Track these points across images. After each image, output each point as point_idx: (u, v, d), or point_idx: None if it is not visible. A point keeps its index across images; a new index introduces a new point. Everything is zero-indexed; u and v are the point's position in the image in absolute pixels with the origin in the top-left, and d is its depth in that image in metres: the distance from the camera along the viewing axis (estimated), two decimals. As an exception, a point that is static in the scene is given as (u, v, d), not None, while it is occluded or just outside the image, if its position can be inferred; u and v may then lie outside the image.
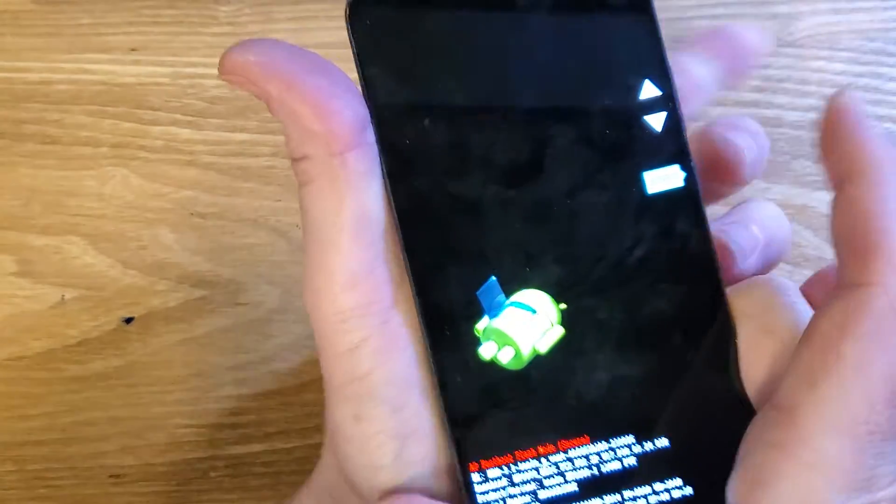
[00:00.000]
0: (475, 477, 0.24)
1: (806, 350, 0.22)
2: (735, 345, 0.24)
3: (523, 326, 0.24)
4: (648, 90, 0.24)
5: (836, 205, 0.22)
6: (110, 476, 0.36)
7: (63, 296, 0.37)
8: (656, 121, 0.24)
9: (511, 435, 0.24)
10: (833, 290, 0.22)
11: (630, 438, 0.24)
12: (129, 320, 0.36)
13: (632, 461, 0.24)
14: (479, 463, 0.24)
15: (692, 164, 0.24)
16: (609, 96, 0.24)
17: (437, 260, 0.24)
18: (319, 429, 0.35)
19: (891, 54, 0.37)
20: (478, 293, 0.24)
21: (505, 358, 0.24)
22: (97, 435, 0.36)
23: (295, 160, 0.22)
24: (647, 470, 0.24)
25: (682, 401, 0.24)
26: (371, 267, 0.23)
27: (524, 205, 0.24)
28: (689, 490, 0.24)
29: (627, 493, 0.24)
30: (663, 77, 0.24)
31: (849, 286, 0.22)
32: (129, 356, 0.36)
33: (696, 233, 0.24)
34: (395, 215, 0.23)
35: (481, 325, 0.24)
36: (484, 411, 0.24)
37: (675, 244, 0.24)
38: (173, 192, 0.37)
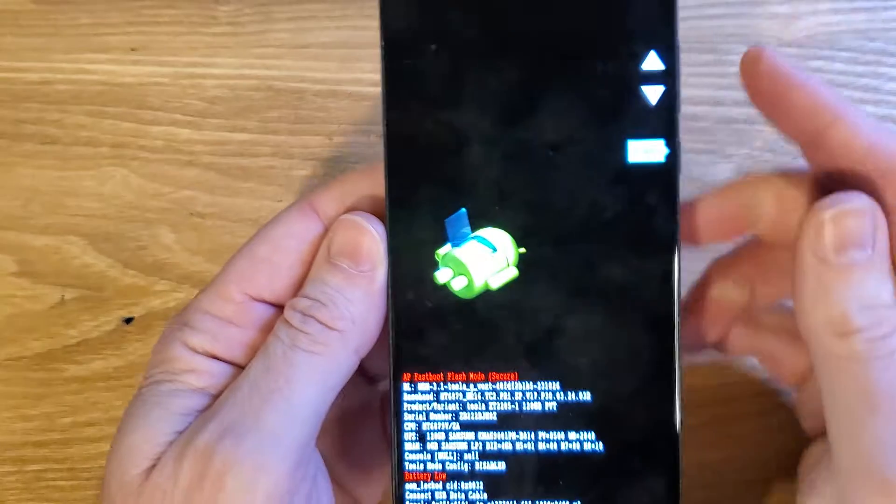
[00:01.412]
0: (406, 387, 0.26)
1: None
2: (676, 326, 0.25)
3: (481, 260, 0.25)
4: (651, 62, 0.25)
5: (826, 152, 0.24)
6: (110, 476, 0.36)
7: (63, 296, 0.37)
8: (652, 93, 0.25)
9: (447, 356, 0.26)
10: None
11: (556, 385, 0.26)
12: (128, 320, 0.36)
13: (552, 406, 0.26)
14: (413, 375, 0.26)
15: (678, 142, 0.25)
16: (612, 58, 0.24)
17: (415, 181, 0.25)
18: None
19: (891, 54, 0.37)
20: (446, 220, 0.25)
21: (457, 286, 0.26)
22: (97, 435, 0.36)
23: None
24: (565, 418, 0.25)
25: (613, 364, 0.25)
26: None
27: (507, 147, 0.25)
28: (600, 446, 0.25)
29: (542, 435, 0.26)
30: (669, 53, 0.24)
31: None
32: (129, 356, 0.36)
33: (664, 210, 0.25)
34: (385, 131, 0.25)
35: (442, 252, 0.25)
36: (427, 329, 0.26)
37: (642, 216, 0.25)
38: (173, 192, 0.37)
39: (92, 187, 0.37)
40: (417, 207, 0.25)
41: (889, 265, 0.24)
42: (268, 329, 0.26)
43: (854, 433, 0.23)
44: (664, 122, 0.25)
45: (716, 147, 0.36)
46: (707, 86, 0.36)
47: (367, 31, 0.38)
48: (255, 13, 0.38)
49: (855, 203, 0.24)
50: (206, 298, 0.27)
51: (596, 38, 0.25)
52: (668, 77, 0.25)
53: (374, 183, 0.26)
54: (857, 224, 0.23)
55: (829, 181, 0.25)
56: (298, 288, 0.26)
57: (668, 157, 0.25)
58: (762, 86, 0.24)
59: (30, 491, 0.36)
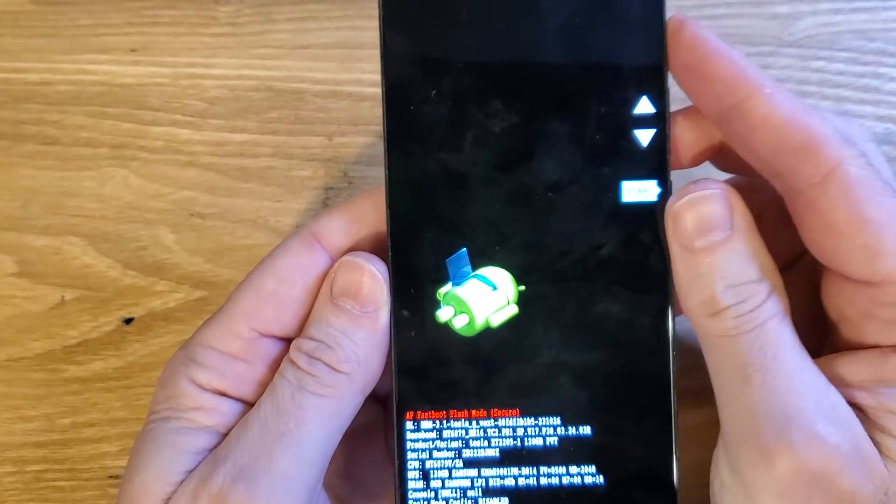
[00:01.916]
0: (409, 425, 0.26)
1: None
2: (672, 359, 0.26)
3: (482, 298, 0.26)
4: (643, 106, 0.26)
5: (758, 121, 0.24)
6: (110, 477, 0.36)
7: (63, 296, 0.37)
8: (644, 136, 0.26)
9: (449, 394, 0.26)
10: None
11: (556, 420, 0.26)
12: (128, 321, 0.36)
13: (554, 441, 0.26)
14: (416, 413, 0.26)
15: (669, 182, 0.26)
16: (606, 104, 0.26)
17: (416, 223, 0.26)
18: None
19: (891, 54, 0.37)
20: (447, 260, 0.26)
21: (459, 323, 0.26)
22: (97, 436, 0.36)
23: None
24: (567, 452, 0.26)
25: (612, 398, 0.26)
26: None
27: (507, 188, 0.26)
28: (601, 479, 0.26)
29: (543, 469, 0.26)
30: (660, 97, 0.26)
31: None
32: (129, 357, 0.36)
33: (658, 248, 0.26)
34: (386, 173, 0.26)
35: (444, 290, 0.26)
36: (429, 367, 0.26)
37: (637, 254, 0.26)
38: (173, 193, 0.37)
39: (92, 188, 0.37)
40: (419, 247, 0.26)
41: (757, 241, 0.25)
42: (275, 365, 0.26)
43: (733, 405, 0.24)
44: (656, 162, 0.26)
45: (716, 147, 0.36)
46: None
47: (367, 31, 0.38)
48: (255, 14, 0.38)
49: (706, 189, 0.25)
50: (211, 333, 0.27)
51: (592, 85, 0.26)
52: (659, 120, 0.26)
53: (376, 210, 0.26)
54: (711, 208, 0.24)
55: (739, 155, 0.25)
56: (305, 321, 0.26)
57: (661, 195, 0.26)
58: (683, 55, 0.24)
59: (30, 491, 0.36)
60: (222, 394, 0.26)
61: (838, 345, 0.26)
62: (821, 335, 0.27)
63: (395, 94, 0.26)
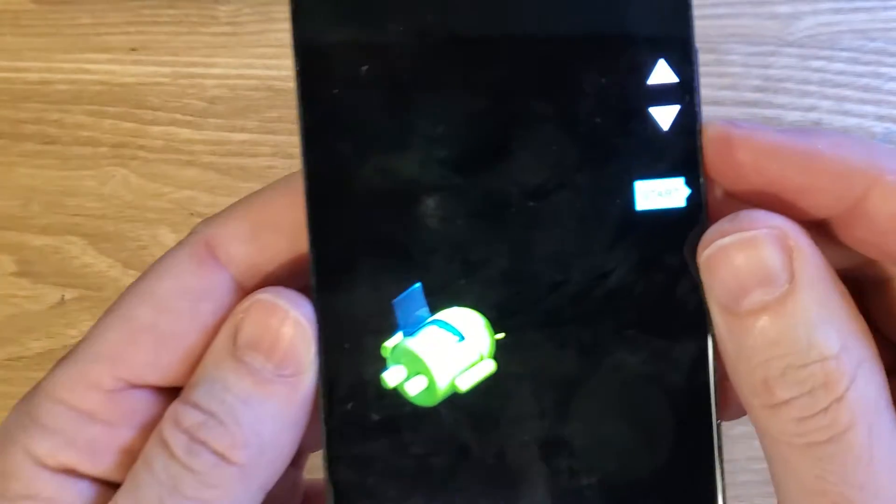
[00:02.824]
0: None
1: None
2: (716, 439, 0.19)
3: (444, 353, 0.18)
4: (661, 73, 0.18)
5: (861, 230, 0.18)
6: (110, 476, 0.36)
7: (63, 296, 0.37)
8: (665, 115, 0.18)
9: (405, 490, 0.19)
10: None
11: None
12: (128, 320, 0.36)
13: None
14: None
15: (701, 180, 0.18)
16: (608, 72, 0.18)
17: (348, 251, 0.18)
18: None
19: (891, 54, 0.37)
20: (394, 301, 0.18)
21: (414, 389, 0.19)
22: (97, 435, 0.36)
23: None
24: None
25: (630, 495, 0.19)
26: None
27: (473, 199, 0.18)
28: None
29: None
30: (684, 59, 0.18)
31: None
32: (129, 356, 0.36)
33: (687, 272, 0.18)
34: (305, 182, 0.18)
35: (391, 343, 0.19)
36: (375, 454, 0.19)
37: (660, 281, 0.18)
38: (173, 192, 0.37)
39: (92, 187, 0.37)
40: (353, 287, 0.18)
41: (833, 298, 0.17)
42: (149, 427, 0.19)
43: None
44: (682, 153, 0.18)
45: (716, 147, 0.36)
46: (707, 86, 0.36)
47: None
48: (255, 13, 0.38)
49: (751, 228, 0.17)
50: (62, 379, 0.19)
51: (586, 48, 0.18)
52: (685, 92, 0.18)
53: (294, 208, 0.19)
54: (759, 256, 0.17)
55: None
56: (196, 365, 0.19)
57: (690, 198, 0.18)
58: (749, 178, 0.18)
59: (30, 491, 0.36)
60: (69, 471, 0.18)
61: None
62: None
63: (313, 71, 0.18)
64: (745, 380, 0.17)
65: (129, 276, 0.36)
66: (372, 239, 0.18)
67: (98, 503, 0.19)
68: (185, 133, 0.37)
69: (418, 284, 0.18)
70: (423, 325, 0.19)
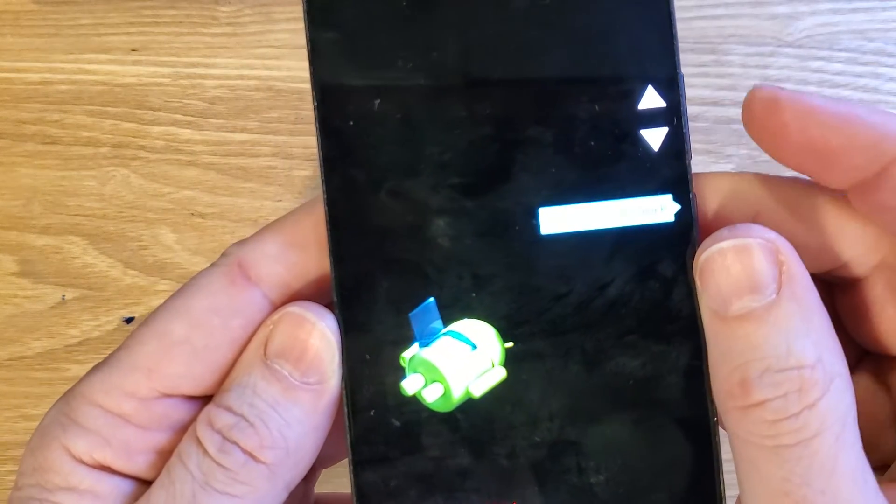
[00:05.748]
0: None
1: None
2: (713, 430, 0.20)
3: (458, 362, 0.20)
4: (650, 99, 0.20)
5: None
6: (111, 476, 0.36)
7: (63, 296, 0.37)
8: (654, 137, 0.20)
9: (425, 490, 0.20)
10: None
11: None
12: (129, 320, 0.37)
13: None
14: None
15: (691, 196, 0.20)
16: (601, 99, 0.20)
17: (367, 268, 0.20)
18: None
19: (890, 54, 0.37)
20: (410, 314, 0.20)
21: (431, 396, 0.20)
22: (98, 435, 0.36)
23: None
24: None
25: (637, 487, 0.20)
26: None
27: (481, 218, 0.20)
28: None
29: None
30: (671, 85, 0.20)
31: None
32: (130, 356, 0.36)
33: (680, 282, 0.20)
34: (326, 208, 0.20)
35: (409, 354, 0.20)
36: (396, 457, 0.20)
37: (653, 292, 0.20)
38: (174, 192, 0.37)
39: (93, 187, 0.37)
40: (373, 301, 0.20)
41: (816, 311, 0.18)
42: (180, 431, 0.20)
43: None
44: (671, 171, 0.20)
45: (715, 147, 0.36)
46: (707, 86, 0.37)
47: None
48: (256, 13, 0.38)
49: (746, 236, 0.19)
50: (99, 385, 0.20)
51: (581, 78, 0.20)
52: (673, 115, 0.20)
53: (318, 230, 0.20)
54: (751, 263, 0.18)
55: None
56: (226, 376, 0.20)
57: (679, 214, 0.20)
58: (792, 138, 0.19)
59: (31, 490, 0.36)
60: (105, 468, 0.20)
61: None
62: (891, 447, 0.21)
63: (331, 107, 0.20)
64: (723, 381, 0.18)
65: (129, 276, 0.37)
66: (388, 258, 0.20)
67: (133, 496, 0.20)
68: (186, 133, 0.37)
69: (432, 299, 0.20)
70: (438, 336, 0.20)
